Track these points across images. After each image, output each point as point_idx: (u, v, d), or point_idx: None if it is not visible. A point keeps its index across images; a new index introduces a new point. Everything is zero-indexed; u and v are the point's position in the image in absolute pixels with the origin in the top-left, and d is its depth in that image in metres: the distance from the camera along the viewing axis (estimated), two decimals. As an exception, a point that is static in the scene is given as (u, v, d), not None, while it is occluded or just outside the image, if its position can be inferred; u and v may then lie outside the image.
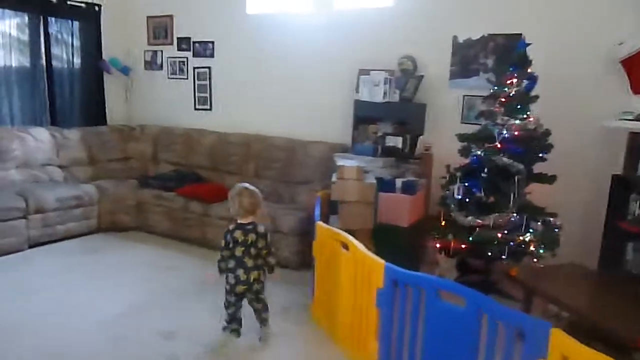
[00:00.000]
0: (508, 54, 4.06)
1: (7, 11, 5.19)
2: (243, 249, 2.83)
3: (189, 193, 4.81)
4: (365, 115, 4.54)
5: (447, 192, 3.94)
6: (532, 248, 3.56)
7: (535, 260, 3.58)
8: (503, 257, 3.61)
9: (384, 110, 4.42)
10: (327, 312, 3.17)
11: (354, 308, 2.84)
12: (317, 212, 3.53)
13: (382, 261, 2.55)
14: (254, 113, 5.49)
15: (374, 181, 3.59)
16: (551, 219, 3.60)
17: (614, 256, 3.33)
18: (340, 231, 3.00)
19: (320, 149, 4.76)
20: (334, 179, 3.58)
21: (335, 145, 4.77)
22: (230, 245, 2.84)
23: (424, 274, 2.40)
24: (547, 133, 3.59)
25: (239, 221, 2.87)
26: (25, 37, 5.39)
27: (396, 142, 4.42)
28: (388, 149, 4.38)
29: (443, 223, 3.92)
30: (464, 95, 4.37)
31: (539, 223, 3.62)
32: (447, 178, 3.93)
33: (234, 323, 2.97)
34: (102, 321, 3.23)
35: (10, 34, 5.26)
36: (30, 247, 4.50)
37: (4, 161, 4.82)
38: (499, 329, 2.10)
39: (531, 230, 3.58)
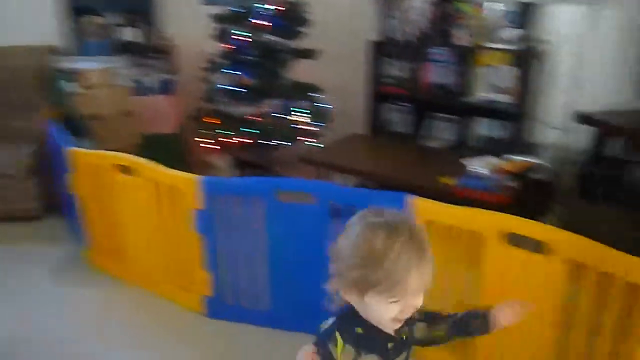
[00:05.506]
0: None
1: None
2: None
3: None
4: (83, 5, 3.51)
5: (211, 84, 3.47)
6: (306, 127, 3.49)
7: (312, 138, 3.54)
8: (283, 143, 3.45)
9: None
10: (118, 257, 2.52)
11: (162, 242, 2.29)
12: (58, 136, 2.64)
13: (196, 176, 2.04)
14: None
15: (127, 84, 2.85)
16: (318, 95, 3.56)
17: (380, 120, 3.52)
18: (115, 153, 2.30)
19: (21, 57, 3.51)
20: (74, 88, 2.69)
21: (41, 48, 3.58)
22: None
23: (257, 177, 2.02)
24: (304, 3, 3.38)
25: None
26: None
27: (132, 35, 3.61)
28: (124, 45, 3.55)
29: (212, 120, 3.50)
30: (198, -30, 3.76)
31: (308, 101, 3.54)
32: (208, 68, 3.43)
33: None
34: None
35: None
36: None
37: None
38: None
39: (302, 110, 3.48)
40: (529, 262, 1.61)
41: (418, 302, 0.94)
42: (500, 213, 1.65)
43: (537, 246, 1.59)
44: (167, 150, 3.19)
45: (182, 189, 2.08)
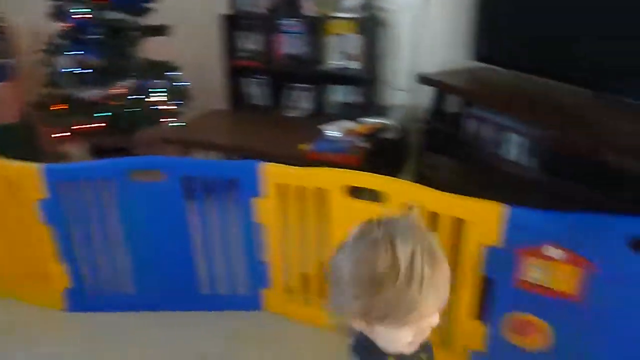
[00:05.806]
0: None
1: None
2: None
3: None
4: None
5: (53, 67, 3.22)
6: (164, 107, 3.39)
7: (172, 118, 3.45)
8: (142, 125, 3.33)
9: None
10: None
11: (7, 240, 2.12)
12: None
13: (35, 165, 1.92)
14: None
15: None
16: (174, 73, 3.46)
17: (240, 94, 3.52)
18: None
19: None
20: None
21: None
22: None
23: (104, 159, 1.94)
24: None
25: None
26: None
27: (-49, 16, 3.21)
28: (-58, 28, 3.15)
29: (60, 106, 3.25)
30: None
31: (164, 80, 3.43)
32: (49, 50, 3.17)
33: None
34: None
35: None
36: None
37: None
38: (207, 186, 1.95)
39: (158, 90, 3.37)
40: (369, 210, 1.75)
41: (434, 321, 0.82)
42: (341, 169, 1.78)
43: (375, 196, 1.75)
44: (9, 141, 2.93)
45: (22, 180, 1.94)
